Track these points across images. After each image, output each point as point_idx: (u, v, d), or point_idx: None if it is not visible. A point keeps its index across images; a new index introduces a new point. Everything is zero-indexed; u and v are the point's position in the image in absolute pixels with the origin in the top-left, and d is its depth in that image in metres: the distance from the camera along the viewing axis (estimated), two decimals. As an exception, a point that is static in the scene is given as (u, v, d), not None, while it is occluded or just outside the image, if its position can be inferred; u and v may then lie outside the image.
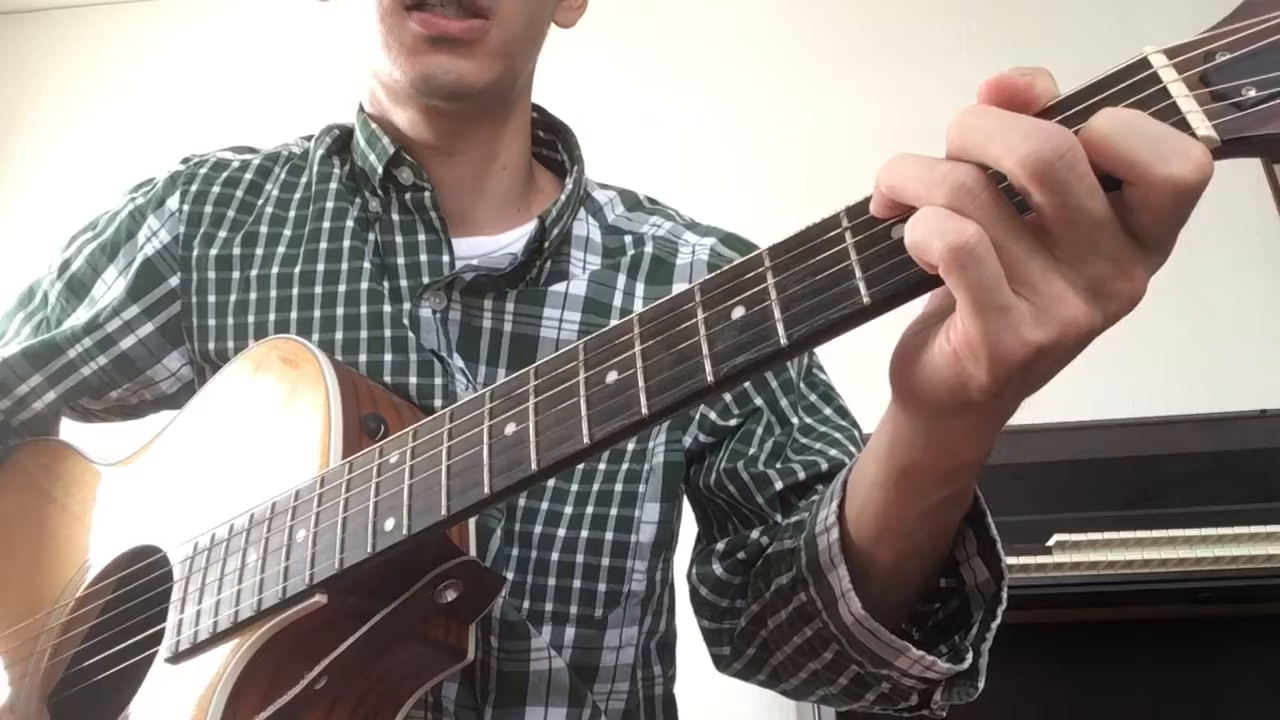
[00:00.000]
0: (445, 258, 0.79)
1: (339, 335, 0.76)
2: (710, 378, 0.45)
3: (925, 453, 0.51)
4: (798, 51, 2.56)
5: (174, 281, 0.81)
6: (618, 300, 0.81)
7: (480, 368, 0.77)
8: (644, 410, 0.47)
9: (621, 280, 0.82)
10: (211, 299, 0.80)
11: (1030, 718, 1.61)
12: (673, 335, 0.47)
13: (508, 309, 0.78)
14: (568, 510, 0.75)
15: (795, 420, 0.80)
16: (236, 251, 0.81)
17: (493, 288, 0.78)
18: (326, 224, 0.81)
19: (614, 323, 0.50)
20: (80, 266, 0.84)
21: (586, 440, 0.48)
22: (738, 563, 0.75)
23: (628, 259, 0.83)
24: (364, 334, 0.76)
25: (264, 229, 0.82)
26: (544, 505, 0.75)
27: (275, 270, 0.80)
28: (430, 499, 0.53)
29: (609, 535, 0.76)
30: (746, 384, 0.80)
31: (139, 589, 0.71)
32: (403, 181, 0.81)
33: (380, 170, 0.80)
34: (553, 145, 0.92)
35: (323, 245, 0.80)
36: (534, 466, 0.50)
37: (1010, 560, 0.59)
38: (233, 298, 0.79)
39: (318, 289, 0.78)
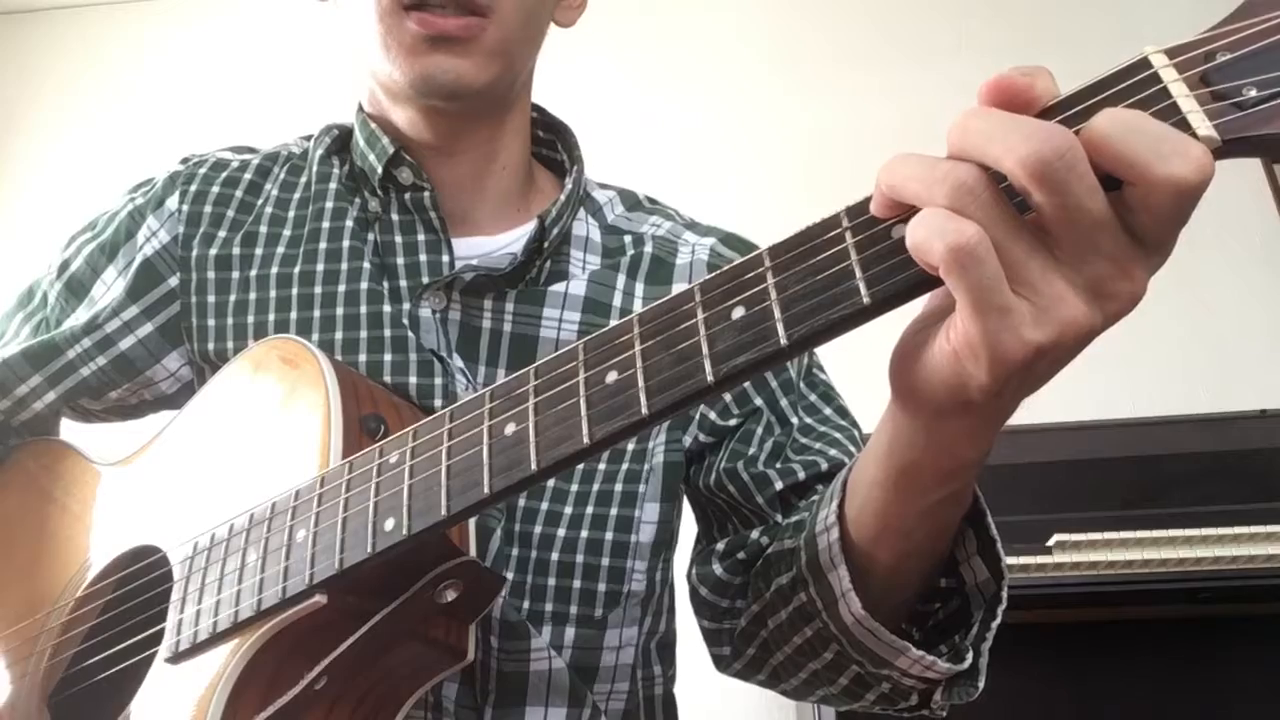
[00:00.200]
0: (445, 258, 0.79)
1: (339, 335, 0.76)
2: (710, 378, 0.45)
3: (925, 452, 0.51)
4: (797, 51, 2.56)
5: (173, 282, 0.81)
6: (617, 300, 0.81)
7: (480, 368, 0.77)
8: (644, 410, 0.47)
9: (621, 280, 0.82)
10: (211, 299, 0.80)
11: (1030, 718, 1.61)
12: (673, 335, 0.47)
13: (507, 309, 0.78)
14: (568, 510, 0.75)
15: (795, 420, 0.80)
16: (236, 251, 0.81)
17: (492, 288, 0.78)
18: (326, 224, 0.81)
19: (614, 323, 0.50)
20: (79, 267, 0.84)
21: (586, 440, 0.48)
22: (738, 563, 0.75)
23: (627, 259, 0.83)
24: (364, 334, 0.76)
25: (263, 229, 0.82)
26: (544, 505, 0.75)
27: (275, 270, 0.80)
28: (430, 499, 0.53)
29: (609, 535, 0.76)
30: (746, 384, 0.80)
31: (139, 589, 0.71)
32: (402, 181, 0.81)
33: (380, 170, 0.80)
34: (552, 145, 0.92)
35: (322, 245, 0.80)
36: (534, 466, 0.50)
37: (1010, 560, 0.59)
38: (232, 298, 0.79)
39: (317, 289, 0.78)
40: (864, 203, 0.44)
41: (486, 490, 0.51)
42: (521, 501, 0.74)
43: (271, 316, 0.78)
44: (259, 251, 0.81)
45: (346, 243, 0.79)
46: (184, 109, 2.69)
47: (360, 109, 0.85)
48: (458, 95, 0.75)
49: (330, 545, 0.57)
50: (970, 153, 0.40)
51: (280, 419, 0.67)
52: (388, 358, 0.75)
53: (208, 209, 0.83)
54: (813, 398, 0.83)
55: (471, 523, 0.66)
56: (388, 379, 0.74)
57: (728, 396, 0.80)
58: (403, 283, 0.79)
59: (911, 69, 2.47)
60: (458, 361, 0.76)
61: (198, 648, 0.62)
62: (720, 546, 0.77)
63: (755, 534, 0.75)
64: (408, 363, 0.74)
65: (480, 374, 0.77)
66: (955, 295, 0.41)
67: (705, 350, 0.46)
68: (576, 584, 0.74)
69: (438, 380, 0.74)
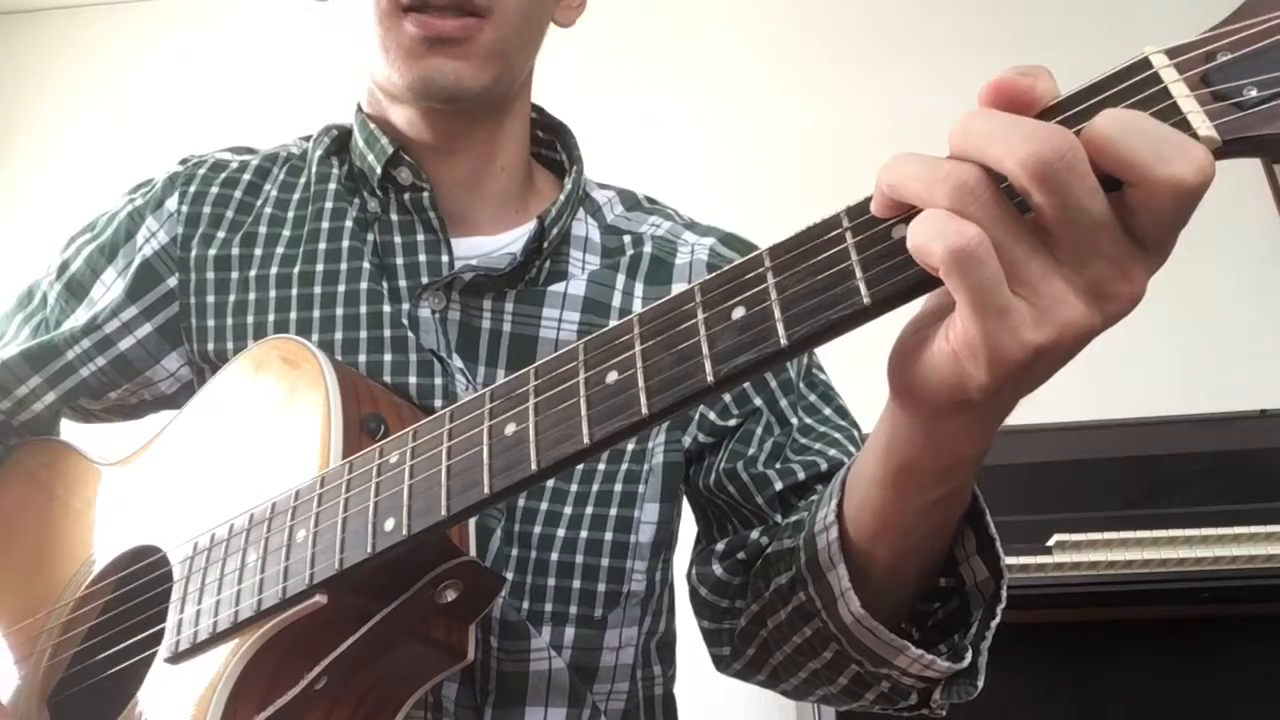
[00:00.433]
0: (444, 258, 0.79)
1: (338, 335, 0.76)
2: (710, 378, 0.45)
3: (924, 449, 0.51)
4: (796, 52, 2.56)
5: (172, 282, 0.81)
6: (617, 300, 0.81)
7: (479, 368, 0.77)
8: (644, 410, 0.47)
9: (620, 280, 0.82)
10: (210, 299, 0.80)
11: (1030, 718, 1.61)
12: (673, 335, 0.47)
13: (507, 309, 0.78)
14: (567, 510, 0.75)
15: (795, 420, 0.80)
16: (235, 252, 0.81)
17: (492, 288, 0.78)
18: (325, 224, 0.81)
19: (613, 323, 0.50)
20: (79, 268, 0.84)
21: (587, 440, 0.48)
22: (737, 563, 0.75)
23: (627, 259, 0.83)
24: (363, 334, 0.76)
25: (263, 229, 0.82)
26: (543, 505, 0.75)
27: (274, 270, 0.80)
28: (430, 499, 0.53)
29: (608, 535, 0.76)
30: (746, 384, 0.80)
31: (139, 589, 0.71)
32: (401, 182, 0.81)
33: (379, 170, 0.80)
34: (551, 145, 0.92)
35: (322, 245, 0.80)
36: (534, 467, 0.50)
37: (1010, 560, 0.59)
38: (231, 298, 0.79)
39: (317, 289, 0.78)
40: (864, 203, 0.44)
41: (487, 490, 0.51)
42: (521, 502, 0.74)
43: (271, 317, 0.78)
44: (258, 252, 0.81)
45: (346, 243, 0.79)
46: (184, 109, 2.69)
47: (359, 109, 0.85)
48: (457, 98, 0.75)
49: (330, 545, 0.57)
50: (971, 153, 0.40)
51: (280, 419, 0.67)
52: (387, 358, 0.75)
53: (206, 209, 0.83)
54: (812, 398, 0.83)
55: (471, 523, 0.66)
56: (387, 379, 0.74)
57: (727, 397, 0.80)
58: (402, 283, 0.79)
59: (910, 69, 2.47)
60: (457, 362, 0.76)
61: (198, 648, 0.62)
62: (720, 547, 0.77)
63: (755, 534, 0.75)
64: (407, 363, 0.74)
65: (480, 374, 0.77)
66: (955, 296, 0.41)
67: (705, 350, 0.46)
68: (576, 584, 0.74)
69: (437, 380, 0.74)
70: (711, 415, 0.80)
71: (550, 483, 0.75)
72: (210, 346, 0.79)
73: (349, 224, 0.80)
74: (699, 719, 0.99)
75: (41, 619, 0.76)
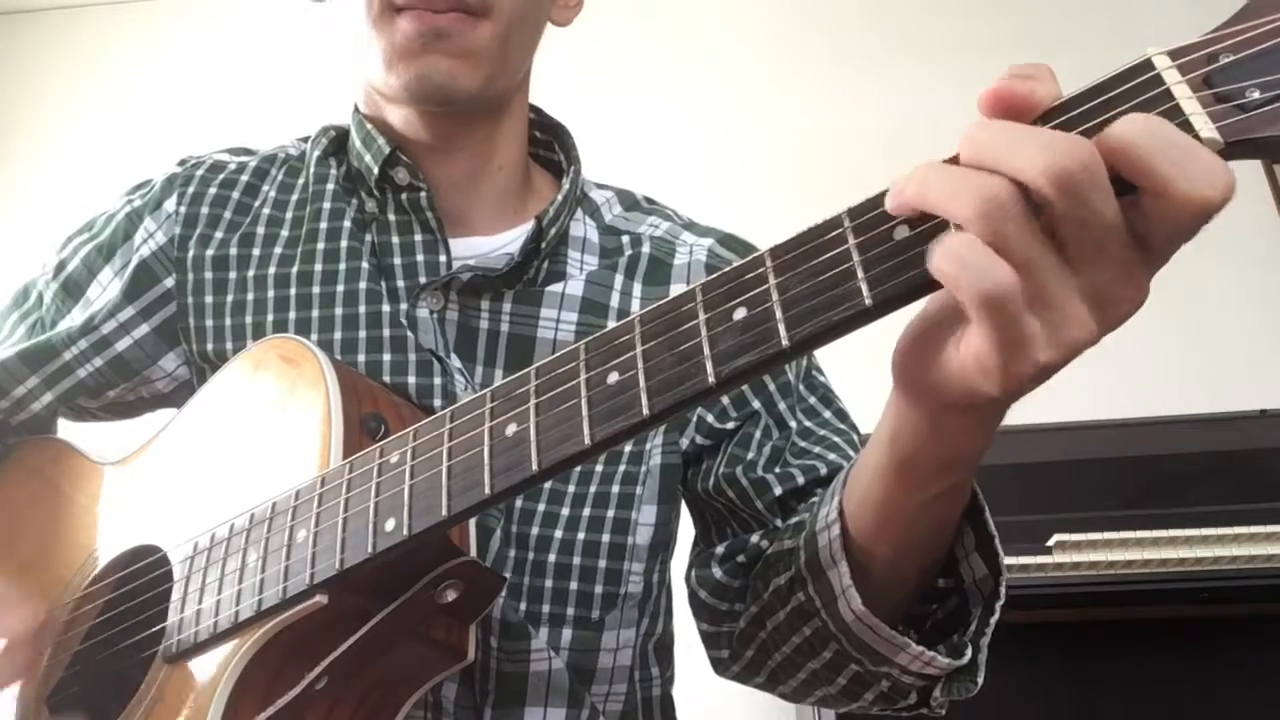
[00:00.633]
0: (442, 258, 0.79)
1: (337, 335, 0.76)
2: (712, 379, 0.45)
3: (927, 442, 0.51)
4: (795, 52, 2.56)
5: (169, 283, 0.81)
6: (615, 301, 0.81)
7: (477, 368, 0.77)
8: (645, 411, 0.47)
9: (619, 280, 0.82)
10: (208, 299, 0.80)
11: (1030, 718, 1.61)
12: (674, 336, 0.47)
13: (505, 309, 0.78)
14: (564, 512, 0.75)
15: (793, 424, 0.80)
16: (233, 252, 0.81)
17: (489, 288, 0.78)
18: (324, 224, 0.80)
19: (611, 323, 0.50)
20: (76, 268, 0.84)
21: (588, 441, 0.48)
22: (737, 566, 0.75)
23: (625, 259, 0.83)
24: (362, 334, 0.76)
25: (261, 230, 0.82)
26: (541, 507, 0.75)
27: (272, 270, 0.79)
28: (431, 499, 0.53)
29: (605, 537, 0.76)
30: (744, 387, 0.80)
31: (139, 589, 0.71)
32: (399, 182, 0.80)
33: (376, 171, 0.80)
34: (549, 145, 0.91)
35: (320, 245, 0.80)
36: (535, 467, 0.50)
37: (1010, 560, 0.60)
38: (230, 298, 0.79)
39: (315, 289, 0.78)
40: (866, 203, 0.44)
41: (487, 491, 0.51)
42: (518, 502, 0.74)
43: (270, 317, 0.78)
44: (256, 252, 0.81)
45: (344, 243, 0.79)
46: (183, 109, 2.69)
47: (356, 110, 0.85)
48: (451, 99, 0.75)
49: (331, 545, 0.57)
50: (986, 164, 0.40)
51: (280, 418, 0.67)
52: (386, 357, 0.75)
53: (204, 210, 0.83)
54: (812, 400, 0.83)
55: (472, 523, 0.66)
56: (386, 378, 0.74)
57: (725, 400, 0.80)
58: (400, 283, 0.78)
59: (910, 69, 2.46)
60: (455, 361, 0.76)
61: (198, 648, 0.62)
62: (719, 550, 0.77)
63: (755, 538, 0.75)
64: (406, 362, 0.74)
65: (478, 374, 0.77)
66: (975, 324, 0.41)
67: (707, 351, 0.46)
68: (573, 586, 0.74)
69: (437, 380, 0.74)
70: (709, 418, 0.80)
71: (548, 484, 0.75)
72: (209, 346, 0.79)
73: (347, 224, 0.80)
74: (698, 720, 0.99)
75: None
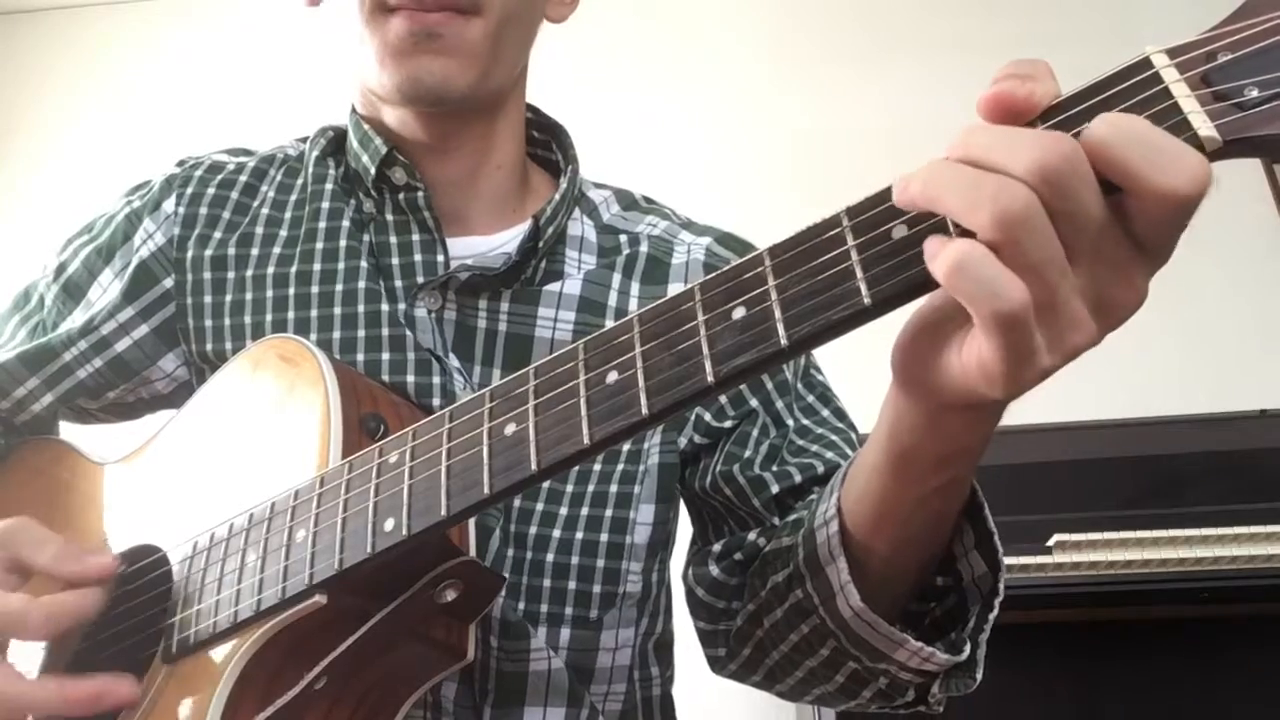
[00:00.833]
0: (440, 257, 0.79)
1: (336, 335, 0.76)
2: (711, 378, 0.45)
3: (926, 436, 0.51)
4: (794, 51, 2.56)
5: (169, 283, 0.81)
6: (613, 300, 0.81)
7: (475, 367, 0.77)
8: (644, 410, 0.47)
9: (617, 280, 0.82)
10: (207, 300, 0.80)
11: (1030, 717, 1.61)
12: (673, 335, 0.47)
13: (503, 309, 0.78)
14: (563, 511, 0.75)
15: (791, 422, 0.80)
16: (232, 252, 0.81)
17: (487, 287, 0.78)
18: (322, 224, 0.80)
19: (609, 323, 0.51)
20: (76, 269, 0.84)
21: (587, 440, 0.48)
22: (734, 564, 0.75)
23: (623, 258, 0.83)
24: (361, 333, 0.76)
25: (259, 230, 0.82)
26: (539, 506, 0.75)
27: (271, 270, 0.79)
28: (430, 499, 0.53)
29: (604, 537, 0.76)
30: (742, 386, 0.80)
31: (138, 589, 0.71)
32: (396, 182, 0.80)
33: (373, 171, 0.80)
34: (547, 145, 0.91)
35: (319, 245, 0.80)
36: (534, 467, 0.50)
37: (1010, 560, 0.60)
38: (229, 298, 0.79)
39: (314, 289, 0.78)
40: (864, 203, 0.44)
41: (487, 491, 0.51)
42: (517, 502, 0.74)
43: (269, 316, 0.78)
44: (255, 252, 0.81)
45: (343, 242, 0.79)
46: (184, 109, 2.69)
47: (353, 110, 0.85)
48: (444, 99, 0.75)
49: (330, 545, 0.57)
50: (977, 164, 0.40)
51: (279, 418, 0.67)
52: (385, 357, 0.75)
53: (203, 210, 0.83)
54: (810, 398, 0.83)
55: (471, 522, 0.66)
56: (385, 378, 0.74)
57: (723, 398, 0.80)
58: (398, 283, 0.78)
59: (908, 69, 2.47)
60: (454, 361, 0.76)
61: (197, 647, 0.62)
62: (716, 548, 0.77)
63: (752, 535, 0.75)
64: (405, 362, 0.74)
65: (476, 373, 0.77)
66: (985, 336, 0.41)
67: (706, 350, 0.46)
68: (572, 585, 0.74)
69: (435, 379, 0.74)
70: (707, 417, 0.80)
71: (546, 483, 0.75)
72: (208, 347, 0.79)
73: (346, 224, 0.80)
74: None
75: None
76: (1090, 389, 1.48)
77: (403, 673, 0.64)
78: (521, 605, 0.73)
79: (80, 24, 2.88)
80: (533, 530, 0.74)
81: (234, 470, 0.68)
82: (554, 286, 0.79)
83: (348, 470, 0.59)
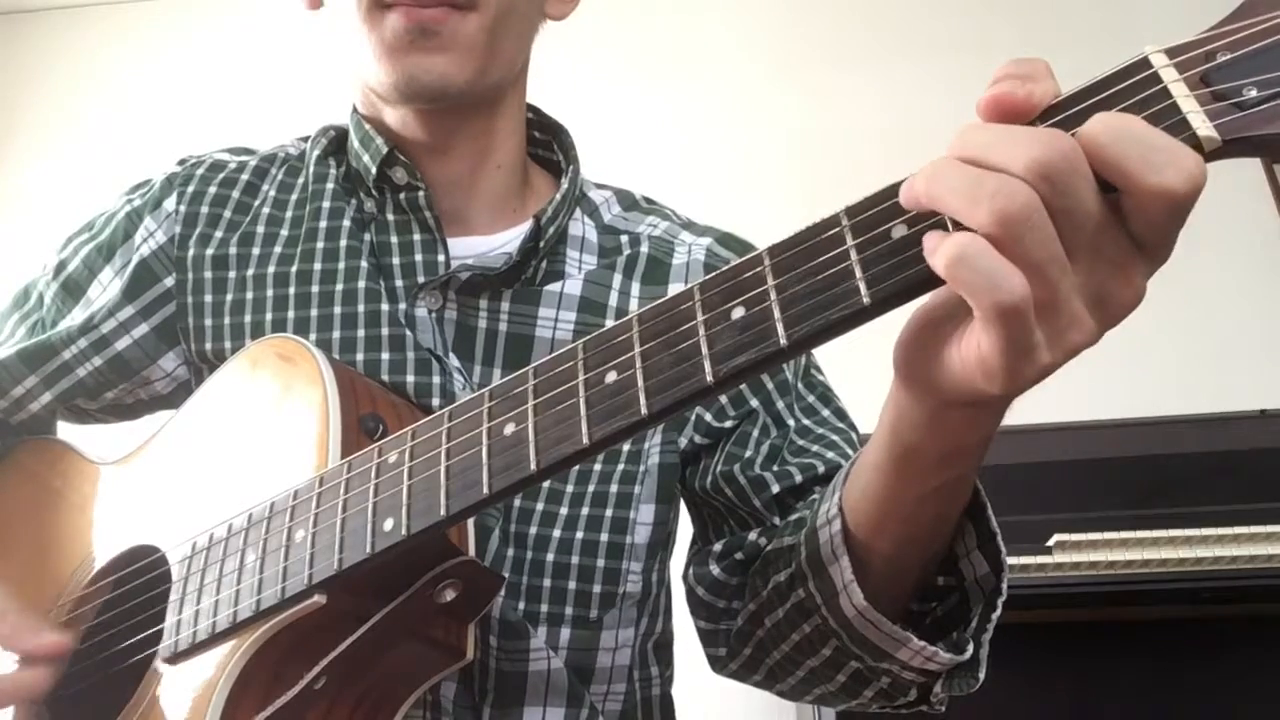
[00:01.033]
0: (440, 257, 0.79)
1: (336, 334, 0.76)
2: (710, 378, 0.45)
3: (928, 434, 0.51)
4: (793, 51, 2.56)
5: (169, 282, 0.81)
6: (613, 300, 0.81)
7: (476, 367, 0.77)
8: (644, 410, 0.47)
9: (617, 280, 0.82)
10: (208, 299, 0.80)
11: (1030, 718, 1.61)
12: (672, 335, 0.47)
13: (503, 309, 0.78)
14: (563, 511, 0.75)
15: (791, 422, 0.80)
16: (232, 251, 0.81)
17: (488, 287, 0.78)
18: (323, 224, 0.80)
19: (610, 323, 0.50)
20: (76, 267, 0.84)
21: (586, 440, 0.48)
22: (735, 563, 0.75)
23: (623, 259, 0.83)
24: (361, 333, 0.76)
25: (260, 229, 0.82)
26: (539, 506, 0.75)
27: (272, 270, 0.79)
28: (429, 499, 0.53)
29: (604, 537, 0.76)
30: (742, 386, 0.80)
31: (137, 589, 0.71)
32: (397, 181, 0.80)
33: (374, 170, 0.80)
34: (548, 145, 0.91)
35: (319, 245, 0.80)
36: (533, 467, 0.50)
37: (1010, 560, 0.60)
38: (229, 297, 0.79)
39: (314, 288, 0.78)
40: (864, 202, 0.44)
41: (486, 490, 0.51)
42: (517, 502, 0.74)
43: (269, 316, 0.78)
44: (256, 251, 0.81)
45: (344, 242, 0.79)
46: (183, 110, 2.69)
47: (354, 110, 0.85)
48: (442, 95, 0.75)
49: (329, 545, 0.57)
50: (977, 163, 0.40)
51: (278, 418, 0.67)
52: (385, 356, 0.75)
53: (204, 209, 0.83)
54: (810, 398, 0.83)
55: (470, 522, 0.66)
56: (385, 378, 0.74)
57: (724, 398, 0.80)
58: (399, 282, 0.78)
59: (907, 69, 2.47)
60: (454, 361, 0.76)
61: (196, 648, 0.61)
62: (717, 547, 0.77)
63: (753, 535, 0.75)
64: (405, 361, 0.74)
65: (476, 373, 0.77)
66: (985, 330, 0.41)
67: (705, 350, 0.46)
68: (571, 585, 0.74)
69: (435, 379, 0.74)
70: (708, 417, 0.80)
71: (546, 483, 0.75)
72: (208, 346, 0.79)
73: (346, 223, 0.80)
74: None
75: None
76: (1090, 389, 1.48)
77: (402, 672, 0.64)
78: (521, 605, 0.73)
79: (80, 24, 2.88)
80: (532, 530, 0.74)
81: (233, 470, 0.68)
82: (555, 286, 0.79)
83: (347, 470, 0.59)
